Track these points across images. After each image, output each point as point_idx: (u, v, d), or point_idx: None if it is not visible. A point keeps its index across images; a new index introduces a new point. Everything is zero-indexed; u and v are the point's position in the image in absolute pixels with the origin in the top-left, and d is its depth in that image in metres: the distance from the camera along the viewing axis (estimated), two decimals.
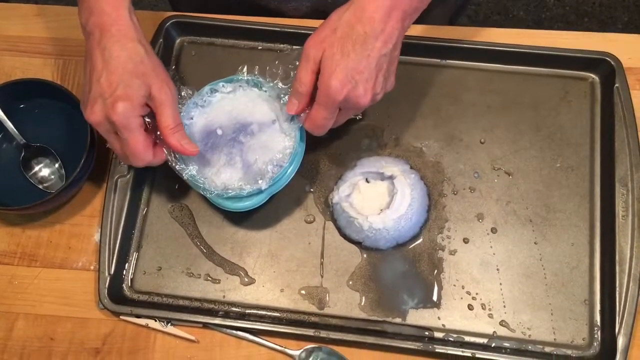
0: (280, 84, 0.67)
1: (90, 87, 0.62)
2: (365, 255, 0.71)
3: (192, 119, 0.69)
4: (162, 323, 0.68)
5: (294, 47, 0.78)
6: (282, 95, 0.67)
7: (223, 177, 0.67)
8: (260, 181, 0.65)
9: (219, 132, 0.68)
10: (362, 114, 0.70)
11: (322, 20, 0.62)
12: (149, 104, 0.62)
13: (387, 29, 0.60)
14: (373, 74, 0.60)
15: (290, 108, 0.64)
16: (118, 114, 0.59)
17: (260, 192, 0.65)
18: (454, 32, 0.79)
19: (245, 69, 0.69)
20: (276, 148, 0.67)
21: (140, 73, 0.61)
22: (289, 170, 0.66)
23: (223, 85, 0.69)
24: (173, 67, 0.78)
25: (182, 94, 0.68)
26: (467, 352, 0.65)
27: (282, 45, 0.80)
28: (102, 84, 0.60)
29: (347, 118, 0.66)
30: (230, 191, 0.65)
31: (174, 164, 0.65)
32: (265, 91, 0.69)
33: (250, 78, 0.69)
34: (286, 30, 0.78)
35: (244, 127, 0.68)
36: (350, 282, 0.70)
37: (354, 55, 0.59)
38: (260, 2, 0.83)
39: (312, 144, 0.74)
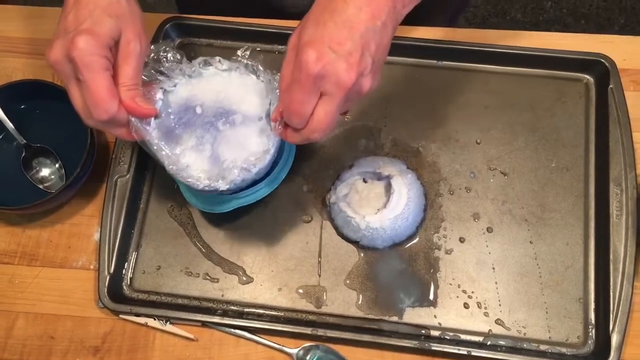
0: (277, 76, 0.59)
1: (57, 26, 0.55)
2: (362, 255, 0.71)
3: (174, 86, 0.62)
4: (161, 322, 0.69)
5: None
6: (277, 91, 0.59)
7: (186, 159, 0.60)
8: (220, 181, 0.59)
9: (198, 110, 0.61)
10: (355, 113, 0.67)
11: None
12: (112, 52, 0.55)
13: (374, 3, 0.51)
14: (357, 46, 0.50)
15: (275, 111, 0.57)
16: (79, 48, 0.51)
17: (233, 199, 0.65)
18: (451, 34, 0.80)
19: (248, 52, 0.62)
20: (252, 149, 0.60)
21: (112, 13, 0.54)
22: (261, 190, 0.64)
23: (220, 61, 0.63)
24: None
25: (169, 56, 0.60)
26: (463, 350, 0.66)
27: (281, 47, 0.80)
28: (68, 19, 0.54)
29: (333, 112, 0.53)
30: (206, 187, 0.59)
31: (136, 127, 0.57)
32: (262, 81, 0.62)
33: (250, 63, 0.62)
34: (284, 31, 0.79)
35: (226, 113, 0.61)
36: (348, 281, 0.70)
37: (332, 24, 0.51)
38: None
39: (310, 144, 0.75)
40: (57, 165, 0.74)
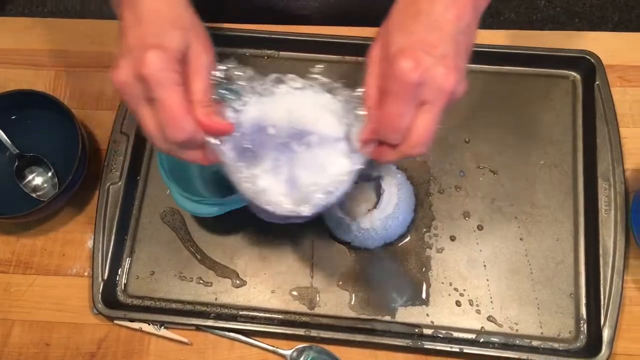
0: (357, 94, 0.54)
1: (119, 48, 0.50)
2: (354, 255, 0.72)
3: (244, 105, 0.56)
4: (156, 327, 0.69)
5: None
6: (357, 109, 0.54)
7: (262, 183, 0.55)
8: (303, 206, 0.54)
9: (272, 130, 0.56)
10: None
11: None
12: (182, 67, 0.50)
13: (458, 2, 0.48)
14: (450, 49, 0.47)
15: (363, 132, 0.52)
16: (149, 64, 0.46)
17: (222, 203, 0.65)
18: None
19: (320, 68, 0.57)
20: (333, 171, 0.55)
21: (179, 25, 0.50)
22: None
23: (292, 78, 0.58)
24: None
25: (239, 72, 0.55)
26: (455, 348, 0.66)
27: (269, 52, 0.81)
28: (130, 38, 0.49)
29: (435, 121, 0.49)
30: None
31: (212, 148, 0.52)
32: (340, 101, 0.56)
33: (326, 80, 0.57)
34: (273, 36, 0.80)
35: (302, 134, 0.56)
36: (340, 282, 0.71)
37: (421, 28, 0.48)
38: (267, 2, 0.80)
39: None
40: (49, 174, 0.75)
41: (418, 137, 0.49)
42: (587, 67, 0.75)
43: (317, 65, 0.56)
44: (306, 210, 0.54)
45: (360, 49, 0.75)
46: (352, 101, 0.55)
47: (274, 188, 0.55)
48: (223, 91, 0.55)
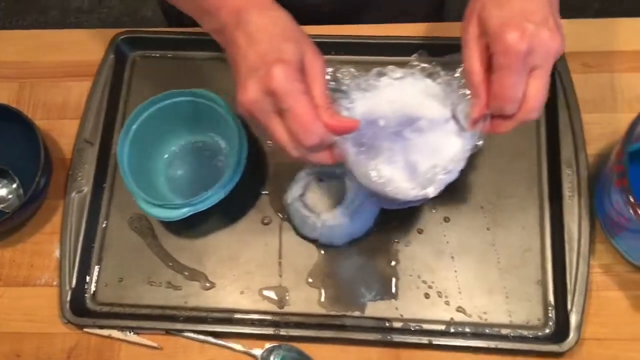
0: (457, 74, 0.57)
1: (238, 69, 0.52)
2: (322, 252, 0.72)
3: (352, 103, 0.59)
4: (125, 332, 0.69)
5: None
6: (460, 90, 0.57)
7: (386, 174, 0.57)
8: (430, 188, 0.57)
9: (382, 122, 0.58)
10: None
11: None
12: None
13: None
14: (547, 12, 0.50)
15: (475, 109, 0.54)
16: (276, 79, 0.49)
17: (186, 205, 0.66)
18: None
19: (419, 55, 0.60)
20: (448, 151, 0.57)
21: (290, 37, 0.52)
22: (213, 196, 0.66)
23: (392, 69, 0.60)
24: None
25: (339, 73, 0.59)
26: (424, 340, 0.66)
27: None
28: (250, 58, 0.51)
29: (546, 83, 0.52)
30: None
31: (339, 147, 0.55)
32: (439, 83, 0.59)
33: (425, 66, 0.59)
34: None
35: (411, 121, 0.58)
36: (309, 280, 0.71)
37: (516, 1, 0.50)
38: None
39: (266, 145, 0.76)
40: (14, 186, 0.75)
41: (534, 102, 0.52)
42: None
43: (416, 54, 0.60)
44: (432, 192, 0.57)
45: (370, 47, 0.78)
46: (452, 82, 0.58)
47: (395, 177, 0.57)
48: (333, 92, 0.58)
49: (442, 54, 0.63)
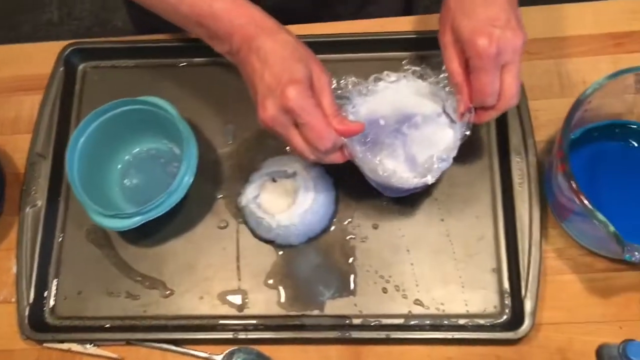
0: (443, 75, 0.67)
1: (256, 90, 0.60)
2: (280, 253, 0.72)
3: (354, 107, 0.68)
4: (84, 345, 0.69)
5: None
6: (447, 87, 0.66)
7: (389, 167, 0.65)
8: (428, 176, 0.64)
9: (382, 122, 0.67)
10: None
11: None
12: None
13: None
14: (509, 13, 0.59)
15: (460, 105, 0.64)
16: (291, 98, 0.57)
17: (137, 214, 0.67)
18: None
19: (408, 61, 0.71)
20: (442, 141, 0.66)
21: (298, 58, 0.60)
22: (163, 204, 0.67)
23: (387, 74, 0.69)
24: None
25: (342, 82, 0.67)
26: (382, 334, 0.66)
27: (183, 60, 0.81)
28: (266, 80, 0.59)
29: (518, 74, 0.61)
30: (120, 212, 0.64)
31: (349, 147, 0.63)
32: (430, 83, 0.68)
33: (416, 69, 0.69)
34: (191, 44, 0.80)
35: (407, 118, 0.67)
36: (268, 281, 0.71)
37: (480, 9, 0.59)
38: None
39: (219, 149, 0.76)
40: None
41: (511, 92, 0.61)
42: None
43: (406, 60, 0.71)
44: (430, 179, 0.64)
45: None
46: (440, 81, 0.67)
47: (399, 168, 0.65)
48: (338, 99, 0.67)
49: (422, 47, 0.74)
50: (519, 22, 0.60)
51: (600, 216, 0.57)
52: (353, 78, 0.68)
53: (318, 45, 0.77)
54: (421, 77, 0.69)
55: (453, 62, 0.63)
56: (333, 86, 0.65)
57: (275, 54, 0.59)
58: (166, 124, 0.71)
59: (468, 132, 0.65)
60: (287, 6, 0.85)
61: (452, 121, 0.66)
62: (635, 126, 0.70)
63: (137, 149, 0.76)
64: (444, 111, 0.67)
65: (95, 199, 0.68)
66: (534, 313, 0.65)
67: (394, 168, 0.65)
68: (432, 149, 0.65)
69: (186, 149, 0.68)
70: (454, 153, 0.66)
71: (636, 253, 0.56)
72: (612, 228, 0.57)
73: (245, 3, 0.64)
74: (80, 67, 0.82)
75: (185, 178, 0.68)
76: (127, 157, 0.76)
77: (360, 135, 0.64)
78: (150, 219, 0.67)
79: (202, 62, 0.81)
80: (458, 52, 0.62)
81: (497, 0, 0.60)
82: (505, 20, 0.59)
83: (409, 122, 0.67)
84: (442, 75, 0.67)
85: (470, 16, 0.60)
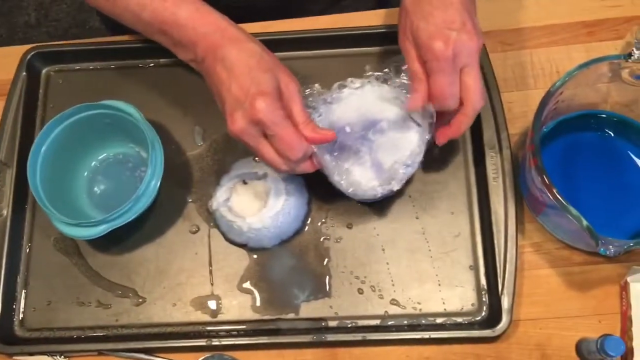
0: (405, 79, 0.66)
1: (224, 101, 0.59)
2: (253, 257, 0.71)
3: (320, 115, 0.67)
4: (55, 357, 0.67)
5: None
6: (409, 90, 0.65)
7: (354, 176, 0.65)
8: (393, 182, 0.64)
9: (348, 129, 0.66)
10: None
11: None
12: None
13: None
14: (465, 16, 0.59)
15: (414, 99, 0.62)
16: (260, 110, 0.56)
17: (103, 222, 0.65)
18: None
19: (369, 67, 0.69)
20: (407, 147, 0.65)
21: (265, 68, 0.59)
22: (129, 212, 0.65)
23: (351, 81, 0.68)
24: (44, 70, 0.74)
25: (307, 91, 0.66)
26: (358, 336, 0.65)
27: (150, 61, 0.79)
28: (233, 92, 0.58)
29: (479, 75, 0.61)
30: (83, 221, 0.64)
31: (318, 156, 0.63)
32: (394, 87, 0.67)
33: (379, 74, 0.68)
34: (158, 45, 0.77)
35: (373, 124, 0.66)
36: (241, 286, 0.70)
37: (437, 12, 0.59)
38: None
39: (189, 151, 0.74)
40: None
41: (475, 93, 0.61)
42: None
43: (369, 65, 0.69)
44: (396, 186, 0.64)
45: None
46: (404, 85, 0.66)
47: (364, 176, 0.65)
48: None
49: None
50: (475, 27, 0.60)
51: (574, 210, 0.56)
52: (317, 86, 0.67)
53: (288, 43, 0.77)
54: (385, 81, 0.68)
55: (414, 63, 0.62)
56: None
57: (242, 64, 0.59)
58: (131, 127, 0.69)
59: (428, 136, 0.65)
60: (256, 3, 0.83)
61: (418, 125, 0.65)
62: (610, 116, 0.69)
63: (104, 154, 0.74)
64: (409, 116, 0.66)
65: (61, 208, 0.66)
66: (511, 309, 0.64)
67: (359, 179, 0.64)
68: (398, 154, 0.65)
69: (151, 153, 0.66)
70: (419, 158, 0.65)
71: (611, 247, 0.55)
72: (585, 222, 0.55)
73: (210, 11, 0.63)
74: (44, 71, 0.79)
75: (152, 183, 0.66)
76: (93, 163, 0.74)
77: (327, 144, 0.64)
78: (118, 226, 0.66)
79: (169, 63, 0.78)
80: (419, 54, 0.62)
81: (454, 4, 0.60)
82: (461, 24, 0.59)
83: (374, 128, 0.66)
84: (403, 81, 0.66)
85: (427, 20, 0.60)
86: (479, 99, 0.61)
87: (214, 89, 0.62)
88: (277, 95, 0.58)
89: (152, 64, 0.79)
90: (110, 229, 0.66)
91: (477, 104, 0.61)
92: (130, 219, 0.66)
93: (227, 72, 0.59)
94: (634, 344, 0.63)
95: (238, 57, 0.59)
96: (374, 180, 0.65)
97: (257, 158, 0.72)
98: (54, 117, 0.68)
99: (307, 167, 0.63)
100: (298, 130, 0.59)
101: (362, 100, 0.67)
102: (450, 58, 0.58)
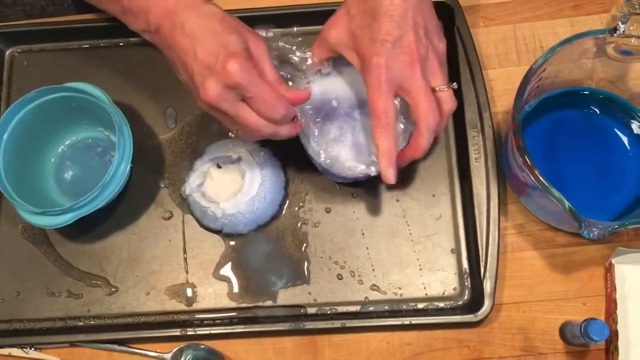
0: None
1: (191, 71, 0.55)
2: (228, 243, 0.68)
3: (308, 82, 0.64)
4: (25, 350, 0.65)
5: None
6: None
7: (332, 151, 0.62)
8: (372, 167, 0.61)
9: (334, 103, 0.64)
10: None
11: None
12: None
13: None
14: (406, 29, 0.55)
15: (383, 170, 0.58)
16: (235, 72, 0.52)
17: (70, 210, 0.63)
18: None
19: None
20: None
21: (230, 29, 0.55)
22: (95, 200, 0.63)
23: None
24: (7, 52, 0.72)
25: (297, 56, 0.62)
26: (337, 323, 0.63)
27: (119, 40, 0.76)
28: (201, 58, 0.54)
29: (425, 85, 0.56)
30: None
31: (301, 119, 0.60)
32: None
33: None
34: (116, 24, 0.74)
35: (361, 104, 0.64)
36: (217, 273, 0.67)
37: (375, 23, 0.55)
38: None
39: (161, 135, 0.72)
40: None
41: (419, 109, 0.56)
42: (446, 11, 0.72)
43: None
44: (373, 171, 0.61)
45: None
46: None
47: (342, 154, 0.63)
48: (290, 73, 0.63)
49: None
50: (417, 45, 0.55)
51: (556, 192, 0.54)
52: (307, 52, 0.63)
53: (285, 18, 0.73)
54: None
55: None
56: (291, 55, 0.62)
57: (204, 28, 0.54)
58: (99, 111, 0.66)
59: (410, 127, 0.61)
60: None
61: (404, 118, 0.61)
62: (595, 93, 0.67)
63: (72, 139, 0.71)
64: (400, 101, 0.60)
65: (28, 196, 0.64)
66: (493, 293, 0.63)
67: (337, 154, 0.62)
68: None
69: (119, 137, 0.63)
70: (400, 145, 0.61)
71: (594, 229, 0.53)
72: (568, 204, 0.54)
73: None
74: (8, 52, 0.76)
75: (121, 168, 0.63)
76: (61, 148, 0.71)
77: (312, 113, 0.62)
78: (86, 214, 0.63)
79: (140, 42, 0.75)
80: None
81: (395, 12, 0.55)
82: (400, 36, 0.55)
83: (362, 109, 0.64)
84: None
85: (365, 29, 0.56)
86: (429, 115, 0.56)
87: (176, 60, 0.57)
88: (246, 55, 0.55)
89: (122, 44, 0.76)
90: (78, 217, 0.63)
91: (429, 120, 0.56)
92: (98, 207, 0.63)
93: (189, 39, 0.55)
94: (619, 326, 0.61)
95: (199, 22, 0.55)
96: (352, 160, 0.63)
97: (231, 140, 0.69)
98: (14, 103, 0.64)
99: (291, 130, 0.60)
100: (275, 89, 0.56)
101: (353, 78, 0.64)
102: (380, 75, 0.55)
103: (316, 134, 0.62)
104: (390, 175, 0.57)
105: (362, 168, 0.62)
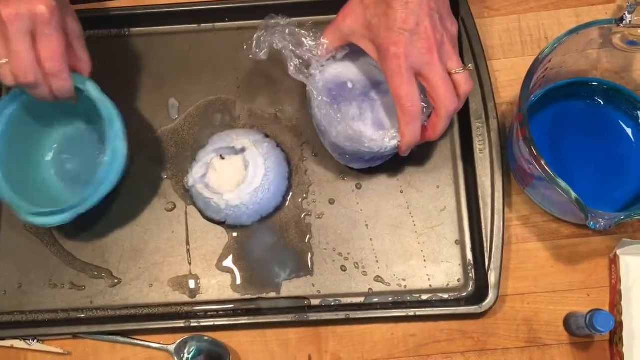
0: None
1: None
2: (232, 234, 0.68)
3: (322, 66, 0.64)
4: (28, 341, 0.65)
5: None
6: None
7: (355, 128, 0.62)
8: (393, 141, 0.60)
9: (349, 85, 0.65)
10: (206, 87, 0.68)
11: None
12: None
13: None
14: (423, 16, 0.55)
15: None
16: (44, 1, 0.54)
17: (68, 210, 0.62)
18: None
19: None
20: None
21: None
22: (90, 198, 0.62)
23: None
24: None
25: (310, 44, 0.62)
26: (341, 315, 0.63)
27: (121, 30, 0.75)
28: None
29: (443, 72, 0.56)
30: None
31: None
32: None
33: None
34: (130, 12, 0.74)
35: (376, 84, 0.65)
36: (221, 264, 0.67)
37: (390, 11, 0.55)
38: None
39: (163, 126, 0.71)
40: None
41: (438, 94, 0.57)
42: (451, 2, 0.71)
43: None
44: (395, 143, 0.61)
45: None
46: None
47: (365, 130, 0.63)
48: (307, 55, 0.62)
49: None
50: (434, 30, 0.55)
51: (562, 183, 0.54)
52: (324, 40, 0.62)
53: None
54: None
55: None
56: (305, 40, 0.62)
57: None
58: (89, 101, 0.64)
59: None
60: None
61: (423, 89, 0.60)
62: (600, 83, 0.66)
63: (71, 130, 0.70)
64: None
65: (24, 191, 0.63)
66: (498, 285, 0.63)
67: (360, 130, 0.62)
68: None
69: (109, 133, 0.62)
70: (424, 117, 0.60)
71: (601, 220, 0.53)
72: (574, 195, 0.53)
73: None
74: None
75: (114, 165, 0.62)
76: (60, 139, 0.70)
77: (328, 96, 0.62)
78: (83, 211, 0.62)
79: (141, 32, 0.75)
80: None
81: (409, 1, 0.55)
82: (416, 23, 0.55)
83: (378, 88, 0.64)
84: None
85: (382, 18, 0.56)
86: (447, 100, 0.57)
87: None
88: (61, 15, 0.56)
89: (124, 34, 0.75)
90: (76, 215, 0.62)
91: (449, 105, 0.57)
92: (95, 204, 0.62)
93: None
94: (623, 317, 0.61)
95: None
96: (378, 135, 0.62)
97: (235, 131, 0.69)
98: (4, 96, 0.63)
99: (59, 91, 0.59)
100: (69, 41, 0.58)
101: (367, 64, 0.65)
102: (400, 63, 0.55)
103: (339, 118, 0.62)
104: (407, 153, 0.61)
105: (388, 140, 0.61)
